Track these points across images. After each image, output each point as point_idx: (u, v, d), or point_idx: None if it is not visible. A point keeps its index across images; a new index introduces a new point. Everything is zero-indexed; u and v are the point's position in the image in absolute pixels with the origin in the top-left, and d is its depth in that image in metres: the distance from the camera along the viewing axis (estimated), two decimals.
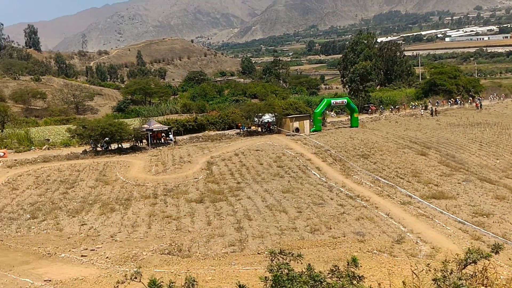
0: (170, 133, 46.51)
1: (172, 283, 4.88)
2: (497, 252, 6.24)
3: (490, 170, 32.56)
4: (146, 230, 21.86)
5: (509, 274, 12.56)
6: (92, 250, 19.28)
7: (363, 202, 25.67)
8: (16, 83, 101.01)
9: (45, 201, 27.64)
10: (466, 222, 21.84)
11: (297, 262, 5.12)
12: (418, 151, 38.46)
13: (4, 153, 40.81)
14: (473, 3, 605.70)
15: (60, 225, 22.96)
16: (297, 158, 37.43)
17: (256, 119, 52.27)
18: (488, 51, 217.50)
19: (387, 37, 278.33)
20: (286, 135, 48.38)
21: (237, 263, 17.35)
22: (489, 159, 35.65)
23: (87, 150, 42.02)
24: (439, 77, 77.35)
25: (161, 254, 18.80)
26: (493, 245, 6.43)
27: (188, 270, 16.09)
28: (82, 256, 18.61)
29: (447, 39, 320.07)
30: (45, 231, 22.32)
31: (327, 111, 58.78)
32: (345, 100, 54.74)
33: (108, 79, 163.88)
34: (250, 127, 52.05)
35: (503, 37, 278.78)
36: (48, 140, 48.31)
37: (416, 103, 70.13)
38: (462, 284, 5.00)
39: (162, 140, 46.31)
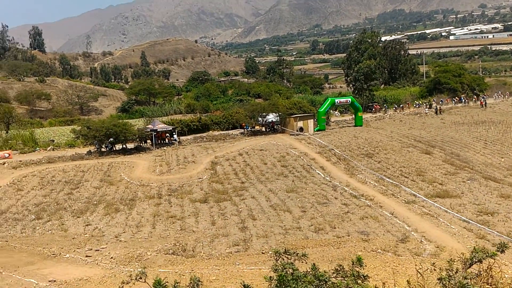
0: (174, 133, 46.55)
1: (177, 283, 4.87)
2: (502, 251, 6.19)
3: (494, 168, 32.43)
4: (150, 230, 21.89)
5: None
6: (96, 250, 19.33)
7: (368, 201, 25.62)
8: (20, 84, 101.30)
9: (50, 201, 27.73)
10: (470, 221, 21.77)
11: (302, 262, 5.10)
12: (422, 150, 38.35)
13: (9, 154, 40.93)
14: (477, 1, 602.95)
15: (65, 226, 23.03)
16: (301, 157, 37.39)
17: (260, 118, 52.24)
18: (493, 49, 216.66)
19: (391, 36, 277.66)
20: (290, 135, 48.33)
21: (241, 262, 17.35)
22: (494, 158, 35.51)
23: (92, 151, 42.11)
24: (443, 75, 77.03)
25: (166, 254, 18.83)
26: (499, 244, 6.38)
27: (192, 270, 16.11)
28: (86, 256, 18.66)
29: (451, 37, 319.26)
30: (49, 231, 22.39)
31: (331, 111, 58.68)
32: (349, 99, 54.62)
33: (113, 80, 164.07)
34: (254, 127, 52.01)
35: (507, 35, 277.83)
36: (53, 141, 48.44)
37: (420, 102, 69.93)
38: (467, 283, 4.96)
39: (167, 140, 46.34)
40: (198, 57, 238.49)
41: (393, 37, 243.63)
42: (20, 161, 39.06)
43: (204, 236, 20.82)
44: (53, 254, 19.03)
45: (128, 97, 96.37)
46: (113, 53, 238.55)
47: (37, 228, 22.92)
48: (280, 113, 51.29)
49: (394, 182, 29.49)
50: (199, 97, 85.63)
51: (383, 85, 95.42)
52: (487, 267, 6.40)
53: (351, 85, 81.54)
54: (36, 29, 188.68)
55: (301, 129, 49.19)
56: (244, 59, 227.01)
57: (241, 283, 4.75)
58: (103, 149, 42.34)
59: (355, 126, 53.10)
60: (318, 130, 50.14)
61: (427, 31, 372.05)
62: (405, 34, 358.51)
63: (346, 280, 4.82)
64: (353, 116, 55.63)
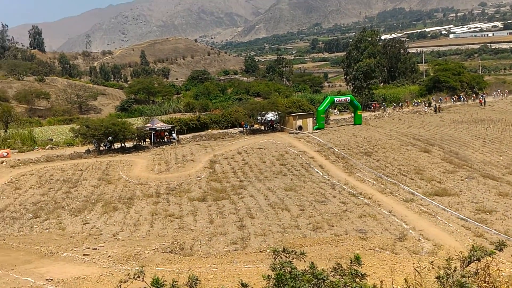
0: (173, 132, 46.50)
1: (175, 282, 4.83)
2: (501, 250, 6.15)
3: (493, 166, 32.40)
4: (148, 229, 21.85)
5: (511, 271, 12.46)
6: (94, 249, 19.29)
7: (366, 199, 25.58)
8: (20, 83, 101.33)
9: (48, 200, 27.68)
10: (468, 219, 21.74)
11: (300, 260, 5.06)
12: (421, 148, 38.32)
13: (8, 153, 40.89)
14: None
15: (63, 224, 22.98)
16: (300, 156, 37.34)
17: (259, 117, 52.18)
18: (493, 47, 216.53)
19: (391, 34, 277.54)
20: (289, 133, 48.30)
21: (239, 261, 17.32)
22: (492, 156, 35.48)
23: (90, 150, 42.06)
24: (443, 74, 77.02)
25: (163, 252, 18.80)
26: (497, 242, 6.33)
27: (190, 269, 16.07)
28: (84, 255, 18.62)
29: (451, 35, 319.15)
30: (47, 230, 22.35)
31: (331, 109, 58.64)
32: (349, 97, 54.58)
33: (112, 79, 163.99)
34: (253, 126, 51.96)
35: (507, 33, 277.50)
36: (52, 140, 48.40)
37: (419, 100, 69.89)
38: (465, 282, 4.91)
39: (165, 139, 46.30)
40: (198, 56, 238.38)
41: (393, 35, 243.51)
42: (19, 160, 39.00)
43: (202, 235, 20.78)
44: (50, 253, 18.99)
45: (127, 96, 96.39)
46: (113, 52, 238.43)
47: (35, 226, 22.87)
48: (279, 112, 51.25)
49: (392, 180, 29.45)
50: (199, 96, 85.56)
51: (382, 84, 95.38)
52: (485, 266, 6.35)
53: (350, 84, 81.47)
54: (36, 28, 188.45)
55: (300, 128, 49.15)
56: (244, 58, 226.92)
57: (239, 282, 4.72)
58: (101, 148, 42.29)
59: (354, 124, 53.06)
60: (317, 129, 50.10)
61: (427, 30, 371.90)
62: (405, 32, 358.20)
63: (344, 279, 4.79)
64: (352, 114, 55.58)
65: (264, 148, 40.66)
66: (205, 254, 18.48)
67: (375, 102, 67.32)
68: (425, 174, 30.79)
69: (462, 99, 71.01)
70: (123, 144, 43.74)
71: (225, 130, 51.08)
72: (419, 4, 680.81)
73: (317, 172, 32.50)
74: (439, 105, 62.62)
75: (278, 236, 20.13)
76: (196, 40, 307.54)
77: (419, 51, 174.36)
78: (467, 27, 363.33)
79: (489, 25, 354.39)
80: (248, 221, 22.37)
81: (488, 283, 6.25)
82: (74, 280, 15.74)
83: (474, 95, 73.74)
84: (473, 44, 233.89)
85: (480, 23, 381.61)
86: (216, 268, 16.45)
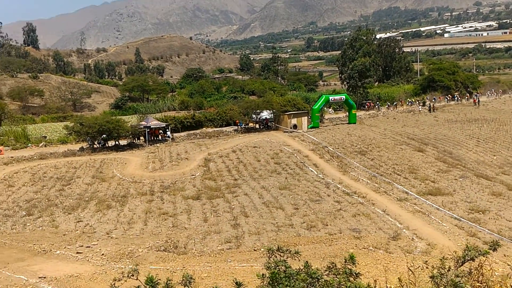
0: (167, 130, 46.41)
1: (169, 280, 4.80)
2: (495, 249, 6.15)
3: (487, 166, 32.52)
4: (142, 227, 21.77)
5: (504, 270, 12.49)
6: (87, 247, 19.20)
7: (360, 198, 25.61)
8: (13, 80, 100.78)
9: (41, 198, 27.54)
10: (462, 219, 21.80)
11: (294, 259, 5.04)
12: (415, 147, 38.43)
13: (1, 150, 40.67)
14: None
15: (56, 222, 22.86)
16: (295, 154, 37.35)
17: (254, 116, 52.16)
18: (487, 46, 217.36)
19: (386, 33, 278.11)
20: (284, 132, 48.30)
21: (233, 260, 17.28)
22: (486, 156, 35.62)
23: (84, 147, 41.91)
24: (437, 73, 77.27)
25: (157, 251, 18.73)
26: (491, 242, 6.34)
27: (184, 267, 16.02)
28: (77, 253, 18.52)
29: (446, 35, 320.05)
30: (40, 228, 22.23)
31: (325, 108, 58.68)
32: (344, 96, 54.65)
33: (106, 77, 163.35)
34: (248, 124, 51.94)
35: (502, 33, 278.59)
36: (45, 137, 48.17)
37: (413, 100, 70.07)
38: (459, 281, 4.90)
39: (160, 137, 46.20)
40: (193, 54, 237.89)
41: (388, 34, 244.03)
42: (12, 157, 38.81)
43: (196, 233, 20.73)
44: (43, 251, 18.88)
45: (121, 94, 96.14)
46: (107, 49, 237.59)
47: (28, 224, 22.74)
48: (274, 110, 51.24)
49: (386, 179, 29.50)
50: (193, 94, 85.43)
51: (377, 83, 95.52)
52: (478, 265, 6.36)
53: (345, 83, 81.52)
54: (30, 25, 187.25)
55: (295, 126, 49.17)
56: (239, 56, 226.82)
57: (233, 280, 4.69)
58: (95, 146, 42.14)
59: (348, 123, 53.15)
60: (312, 127, 50.14)
61: (422, 29, 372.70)
62: (400, 31, 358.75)
63: (338, 278, 4.77)
64: (347, 113, 55.65)
65: (258, 146, 40.64)
66: (199, 253, 18.44)
67: (370, 101, 67.42)
68: (419, 173, 30.86)
69: (456, 98, 71.25)
70: (117, 142, 43.60)
71: (220, 129, 51.04)
72: (414, 3, 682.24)
73: (311, 171, 32.51)
74: (433, 105, 62.81)
75: (272, 235, 20.11)
76: (191, 38, 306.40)
77: (414, 50, 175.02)
78: (462, 27, 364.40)
79: (483, 24, 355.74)
80: (242, 219, 22.34)
81: (481, 283, 6.26)
82: (67, 278, 15.65)
83: (468, 94, 74.01)
84: (468, 43, 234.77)
85: (475, 23, 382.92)
86: (210, 266, 16.41)
